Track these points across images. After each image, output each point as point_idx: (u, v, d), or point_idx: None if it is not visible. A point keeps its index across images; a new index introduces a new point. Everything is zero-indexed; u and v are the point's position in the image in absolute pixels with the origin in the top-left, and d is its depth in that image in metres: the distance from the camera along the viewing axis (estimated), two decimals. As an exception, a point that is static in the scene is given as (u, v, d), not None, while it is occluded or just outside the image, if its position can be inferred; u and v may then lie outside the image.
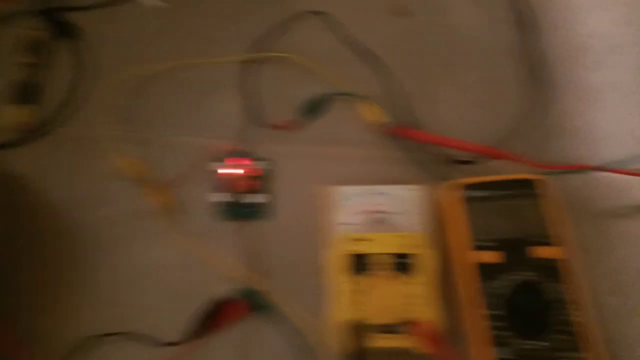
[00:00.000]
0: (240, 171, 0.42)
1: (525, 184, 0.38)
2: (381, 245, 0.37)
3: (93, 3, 0.51)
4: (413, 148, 0.43)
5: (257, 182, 0.42)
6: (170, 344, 0.37)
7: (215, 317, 0.38)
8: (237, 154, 0.43)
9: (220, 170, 0.42)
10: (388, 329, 0.35)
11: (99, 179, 0.43)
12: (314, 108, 0.45)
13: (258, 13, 0.50)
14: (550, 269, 0.36)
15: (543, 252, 0.37)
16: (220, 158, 0.43)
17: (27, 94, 0.46)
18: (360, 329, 0.35)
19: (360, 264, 0.37)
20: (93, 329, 0.38)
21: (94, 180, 0.43)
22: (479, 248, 0.37)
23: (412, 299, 0.36)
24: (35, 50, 0.48)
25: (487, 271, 0.37)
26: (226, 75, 0.47)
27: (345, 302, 0.36)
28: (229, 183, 0.42)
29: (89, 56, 0.49)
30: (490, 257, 0.37)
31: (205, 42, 0.49)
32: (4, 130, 0.45)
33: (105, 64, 0.48)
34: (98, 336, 0.38)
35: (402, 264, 0.37)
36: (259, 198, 0.41)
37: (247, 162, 0.42)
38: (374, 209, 0.39)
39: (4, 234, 0.41)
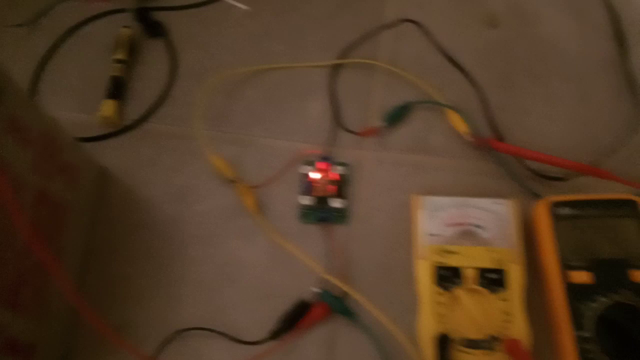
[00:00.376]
0: (327, 175, 0.43)
1: (628, 205, 0.37)
2: (470, 258, 0.37)
3: (182, 4, 0.53)
4: (502, 161, 0.42)
5: (343, 187, 0.43)
6: (255, 342, 0.39)
7: (299, 318, 0.39)
8: (325, 159, 0.43)
9: (308, 174, 0.43)
10: (474, 344, 0.35)
11: (190, 176, 0.45)
12: (401, 115, 0.45)
13: (348, 20, 0.50)
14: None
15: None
16: (309, 162, 0.44)
17: (118, 89, 0.48)
18: (445, 342, 0.35)
19: (448, 276, 0.37)
20: (182, 322, 0.40)
21: (185, 177, 0.45)
22: (569, 268, 0.37)
23: (500, 315, 0.35)
24: (127, 48, 0.50)
25: (577, 291, 0.36)
26: (315, 80, 0.48)
27: (431, 313, 0.36)
28: (316, 186, 0.43)
29: (177, 55, 0.50)
30: (580, 277, 0.36)
31: (294, 46, 0.50)
32: (99, 123, 0.47)
33: (193, 63, 0.50)
34: (186, 330, 0.39)
35: (490, 279, 0.36)
36: (344, 203, 0.42)
37: (333, 167, 0.43)
38: (463, 221, 0.38)
39: (98, 224, 0.43)
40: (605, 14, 0.48)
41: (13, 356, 0.34)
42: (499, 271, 0.37)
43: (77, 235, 0.42)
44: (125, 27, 0.51)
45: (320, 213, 0.42)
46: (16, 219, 0.32)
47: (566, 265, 0.37)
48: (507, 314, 0.35)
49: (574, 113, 0.45)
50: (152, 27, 0.51)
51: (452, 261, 0.37)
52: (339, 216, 0.42)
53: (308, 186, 0.43)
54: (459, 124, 0.44)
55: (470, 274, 0.37)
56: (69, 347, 0.40)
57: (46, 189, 0.37)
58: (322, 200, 0.42)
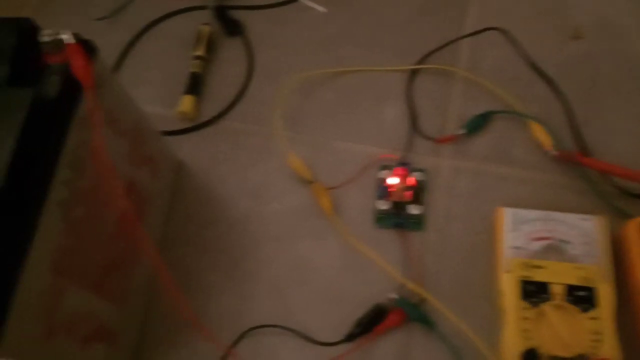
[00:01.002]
0: (405, 181, 0.42)
1: None
2: (556, 274, 0.36)
3: (260, 3, 0.53)
4: (587, 176, 0.41)
5: (419, 193, 0.42)
6: (330, 343, 0.38)
7: (375, 323, 0.38)
8: (403, 164, 0.43)
9: (385, 178, 0.43)
10: (559, 362, 0.34)
11: (265, 174, 0.45)
12: (481, 124, 0.44)
13: (427, 26, 0.50)
14: None
15: None
16: (385, 166, 0.43)
17: (196, 85, 0.49)
18: (533, 359, 0.34)
19: (534, 291, 0.36)
20: (253, 318, 0.40)
21: (260, 175, 0.45)
22: (662, 290, 0.35)
23: (589, 334, 0.34)
24: (206, 45, 0.51)
25: (669, 316, 0.35)
26: (392, 85, 0.48)
27: (517, 328, 0.35)
28: (392, 192, 0.42)
29: (254, 54, 0.51)
30: (674, 301, 0.35)
31: (371, 51, 0.50)
32: (177, 118, 0.48)
33: (269, 63, 0.50)
34: (261, 326, 0.39)
35: (579, 296, 0.35)
36: (420, 209, 0.41)
37: (411, 172, 0.43)
38: (548, 236, 0.37)
39: (173, 217, 0.44)
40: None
41: (101, 342, 0.34)
42: (587, 289, 0.35)
43: (154, 226, 0.42)
44: (204, 24, 0.52)
45: (396, 219, 0.42)
46: (121, 204, 0.33)
47: (659, 288, 0.35)
48: (596, 333, 0.34)
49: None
50: (230, 26, 0.52)
51: (538, 276, 0.36)
52: (415, 223, 0.42)
53: (385, 191, 0.42)
54: (543, 137, 0.43)
55: (558, 290, 0.35)
56: (143, 335, 0.40)
57: (134, 178, 0.38)
58: (398, 206, 0.42)
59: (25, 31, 0.30)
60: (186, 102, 0.47)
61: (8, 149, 0.26)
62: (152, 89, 0.50)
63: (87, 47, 0.31)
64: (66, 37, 0.30)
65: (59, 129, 0.29)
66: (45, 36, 0.30)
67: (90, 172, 0.32)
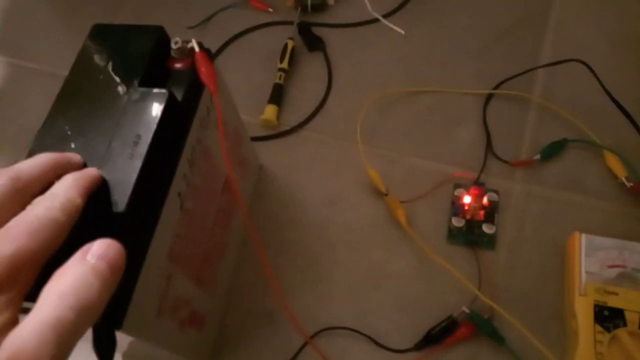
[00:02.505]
0: (479, 200, 0.44)
1: None
2: (631, 301, 0.37)
3: (341, 22, 0.56)
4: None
5: (493, 213, 0.44)
6: (400, 350, 0.40)
7: (447, 334, 0.39)
8: (479, 184, 0.45)
9: (460, 196, 0.44)
10: (630, 388, 0.35)
11: (341, 184, 0.47)
12: (556, 151, 0.46)
13: (503, 53, 0.52)
14: None
15: None
16: (460, 184, 0.45)
17: (279, 96, 0.52)
18: (602, 382, 0.35)
19: (609, 316, 0.37)
20: (326, 318, 0.42)
21: (336, 184, 0.47)
22: None
23: (662, 363, 0.35)
24: (289, 58, 0.54)
25: None
26: (467, 107, 0.50)
27: (591, 351, 0.36)
28: (466, 210, 0.44)
29: (333, 70, 0.53)
30: None
31: (447, 73, 0.52)
32: (260, 125, 0.51)
33: (347, 79, 0.53)
34: (335, 328, 0.41)
35: (652, 325, 0.36)
36: (493, 229, 0.43)
37: (484, 193, 0.44)
38: (623, 264, 0.38)
39: (256, 218, 0.46)
40: None
41: (194, 326, 0.37)
42: (661, 319, 0.36)
43: (239, 225, 0.45)
44: (289, 38, 0.55)
45: (469, 236, 0.43)
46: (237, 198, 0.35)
47: None
48: (670, 364, 0.35)
49: None
50: (312, 41, 0.55)
51: (613, 302, 0.37)
52: (488, 241, 0.43)
53: (459, 208, 0.44)
54: (618, 168, 0.44)
55: (632, 317, 0.36)
56: (224, 325, 0.42)
57: (232, 178, 0.41)
58: (471, 224, 0.43)
59: (159, 38, 0.33)
60: (269, 111, 0.50)
61: (145, 145, 0.29)
62: (237, 96, 0.53)
63: (209, 55, 0.34)
64: (194, 45, 0.33)
65: (183, 128, 0.32)
66: (175, 43, 0.33)
67: (202, 168, 0.35)
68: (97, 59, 0.32)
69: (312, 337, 0.41)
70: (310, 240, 0.45)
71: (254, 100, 0.52)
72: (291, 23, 0.56)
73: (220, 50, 0.56)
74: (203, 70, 0.33)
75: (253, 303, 0.43)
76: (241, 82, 0.54)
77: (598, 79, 0.47)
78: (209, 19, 0.58)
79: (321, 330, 0.41)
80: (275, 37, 0.56)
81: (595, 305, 0.37)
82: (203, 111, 0.34)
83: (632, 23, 0.53)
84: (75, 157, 0.27)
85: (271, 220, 0.46)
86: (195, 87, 0.33)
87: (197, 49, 0.33)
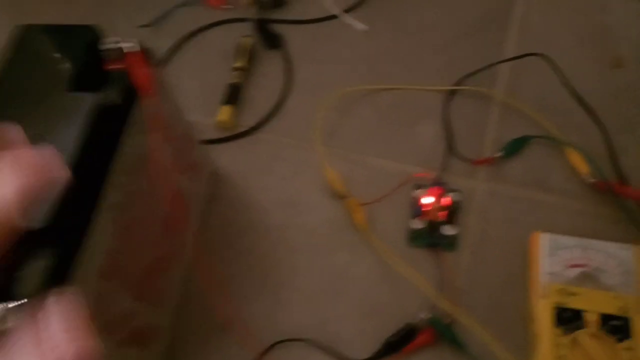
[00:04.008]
0: (439, 201, 0.43)
1: None
2: (592, 302, 0.36)
3: (301, 18, 0.55)
4: (624, 206, 0.41)
5: (454, 214, 0.42)
6: None
7: (405, 343, 0.38)
8: (439, 184, 0.43)
9: (419, 197, 0.43)
10: (592, 392, 0.34)
11: (300, 187, 0.45)
12: (519, 149, 0.45)
13: (467, 50, 0.51)
14: None
15: None
16: (420, 185, 0.44)
17: (235, 96, 0.50)
18: (564, 386, 0.34)
19: (569, 318, 0.36)
20: (284, 327, 0.40)
21: (295, 187, 0.45)
22: (699, 325, 0.35)
23: (623, 365, 0.34)
24: (246, 57, 0.52)
25: None
26: (429, 105, 0.48)
27: (551, 355, 0.35)
28: (427, 211, 0.42)
29: (293, 68, 0.52)
30: None
31: (410, 70, 0.50)
32: (215, 127, 0.49)
33: (307, 78, 0.51)
34: (290, 340, 0.39)
35: (614, 326, 0.35)
36: (455, 230, 0.42)
37: (446, 193, 0.43)
38: (585, 263, 0.37)
39: (212, 224, 0.45)
40: None
41: (135, 343, 0.35)
42: (622, 319, 0.35)
43: (191, 232, 0.43)
44: (246, 36, 0.53)
45: (430, 238, 0.42)
46: (165, 213, 0.34)
47: (696, 323, 0.35)
48: (631, 366, 0.34)
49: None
50: (270, 39, 0.53)
51: (573, 303, 0.36)
52: (449, 243, 0.42)
53: (419, 210, 0.43)
54: (580, 165, 0.43)
55: (592, 318, 0.35)
56: (174, 339, 0.40)
57: (180, 183, 0.39)
58: (432, 225, 0.42)
59: (91, 38, 0.31)
60: (224, 112, 0.48)
61: (69, 152, 0.27)
62: (191, 97, 0.51)
63: (148, 56, 0.32)
64: (130, 45, 0.31)
65: (116, 134, 0.30)
66: (110, 44, 0.31)
67: (140, 177, 0.33)
68: (20, 63, 0.30)
69: (269, 348, 0.39)
70: (269, 245, 0.44)
71: (210, 101, 0.50)
72: (248, 20, 0.54)
73: (175, 49, 0.54)
74: (138, 72, 0.31)
75: (206, 315, 0.41)
76: (197, 83, 0.52)
77: (560, 74, 0.47)
78: (163, 17, 0.56)
79: (278, 342, 0.40)
80: (232, 35, 0.54)
81: (556, 307, 0.36)
82: (140, 115, 0.32)
83: (597, 17, 0.52)
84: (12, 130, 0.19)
85: (227, 225, 0.45)
86: (130, 90, 0.31)
87: (133, 49, 0.31)
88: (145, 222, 0.34)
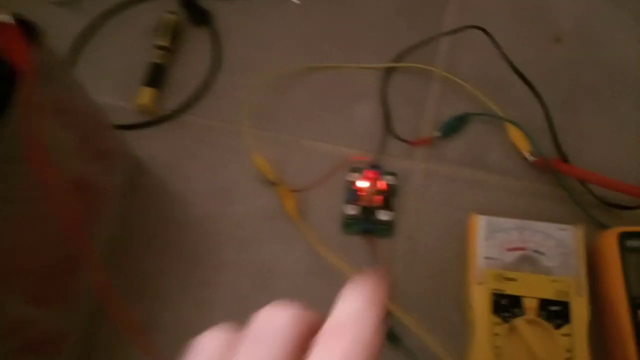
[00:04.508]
0: (375, 185, 0.40)
1: None
2: (530, 287, 0.34)
3: (231, -7, 0.51)
4: (565, 184, 0.39)
5: (390, 198, 0.40)
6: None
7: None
8: (374, 167, 0.41)
9: (354, 182, 0.40)
10: (530, 380, 0.32)
11: (229, 174, 0.42)
12: (457, 127, 0.42)
13: (405, 25, 0.48)
14: None
15: None
16: (356, 169, 0.41)
17: (157, 77, 0.46)
18: (501, 376, 0.32)
19: (506, 305, 0.34)
20: (210, 327, 0.37)
21: (223, 175, 0.42)
22: (638, 306, 0.34)
23: (562, 351, 0.32)
24: (170, 34, 0.48)
25: (646, 334, 0.33)
26: (367, 84, 0.45)
27: (487, 345, 0.33)
28: (362, 196, 0.40)
29: (222, 46, 0.48)
30: (650, 318, 0.34)
31: (347, 48, 0.47)
32: (135, 111, 0.45)
33: (237, 56, 0.47)
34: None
35: (552, 311, 0.33)
36: (391, 215, 0.39)
37: (382, 176, 0.40)
38: (523, 246, 0.36)
39: (128, 217, 0.41)
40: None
41: (36, 351, 0.31)
42: (562, 303, 0.34)
43: (107, 226, 0.40)
44: (170, 12, 0.49)
45: (365, 224, 0.39)
46: (57, 208, 0.30)
47: (634, 303, 0.34)
48: (569, 351, 0.32)
49: (644, 140, 0.42)
50: (197, 15, 0.49)
51: (511, 289, 0.34)
52: (385, 229, 0.39)
53: (354, 195, 0.40)
54: (521, 142, 0.41)
55: (531, 304, 0.34)
56: (91, 339, 0.37)
57: (84, 175, 0.35)
58: (367, 211, 0.40)
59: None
60: (145, 95, 0.44)
61: None
62: (111, 79, 0.47)
63: (30, 30, 0.28)
64: (3, 17, 0.27)
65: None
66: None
67: (31, 165, 0.29)
68: None
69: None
70: (193, 239, 0.40)
71: (131, 83, 0.46)
72: (174, -5, 0.50)
73: (94, 26, 0.49)
74: (12, 47, 0.27)
75: (128, 316, 0.38)
76: (117, 63, 0.47)
77: (499, 48, 0.44)
78: (80, -8, 0.51)
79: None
80: (158, 12, 0.49)
81: (493, 294, 0.34)
82: (23, 97, 0.28)
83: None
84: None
85: (148, 219, 0.41)
86: (8, 70, 0.27)
87: (6, 21, 0.27)
88: (37, 217, 0.31)
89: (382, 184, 0.40)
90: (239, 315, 0.40)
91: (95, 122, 0.36)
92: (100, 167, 0.37)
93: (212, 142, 0.44)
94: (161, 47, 0.47)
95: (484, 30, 0.44)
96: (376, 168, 0.41)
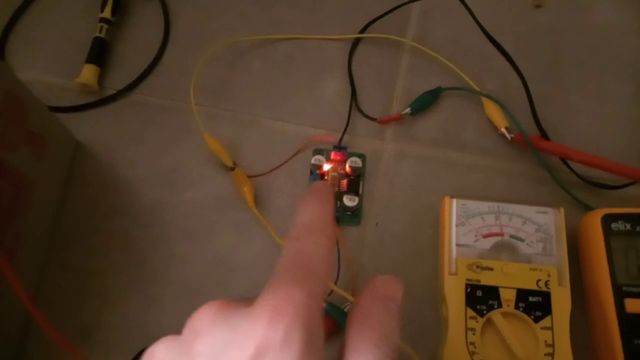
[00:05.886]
0: (341, 168, 0.37)
1: None
2: (508, 277, 0.31)
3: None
4: (546, 163, 0.36)
5: (358, 182, 0.37)
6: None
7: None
8: (340, 148, 0.37)
9: (319, 165, 0.37)
10: (508, 378, 0.30)
11: (181, 158, 0.38)
12: (430, 103, 0.39)
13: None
14: None
15: None
16: (320, 150, 0.38)
17: (101, 53, 0.41)
18: (476, 375, 0.30)
19: (482, 297, 0.31)
20: (160, 328, 0.34)
21: (174, 158, 0.38)
22: (624, 294, 0.31)
23: (542, 346, 0.30)
24: (115, 6, 0.43)
25: (632, 323, 0.30)
26: (332, 56, 0.41)
27: (461, 340, 0.30)
28: (326, 180, 0.36)
29: (172, 17, 0.43)
30: (637, 306, 0.31)
31: (310, 16, 0.43)
32: (77, 91, 0.40)
33: (189, 27, 0.43)
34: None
35: (532, 302, 0.30)
36: (358, 201, 0.36)
37: (349, 158, 0.37)
38: (501, 232, 0.33)
39: (67, 207, 0.37)
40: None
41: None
42: (542, 294, 0.31)
43: (41, 218, 0.35)
44: (114, -20, 0.44)
45: (330, 211, 0.36)
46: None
47: (621, 292, 0.31)
48: (549, 346, 0.30)
49: (630, 115, 0.39)
50: (145, -16, 0.45)
51: (487, 279, 0.31)
52: (352, 216, 0.36)
53: (318, 178, 0.37)
54: (498, 118, 0.37)
55: (508, 295, 0.31)
56: (25, 345, 0.34)
57: (7, 160, 0.31)
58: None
59: None
60: (87, 72, 0.40)
61: None
62: (49, 56, 0.42)
63: None
64: None
65: None
66: None
67: None
68: None
69: (137, 356, 0.33)
70: (139, 231, 0.36)
71: (73, 59, 0.41)
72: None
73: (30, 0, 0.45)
74: None
75: (65, 318, 0.34)
76: (55, 39, 0.43)
77: (473, 15, 0.40)
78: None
79: (143, 351, 0.33)
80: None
81: (467, 285, 0.31)
82: None
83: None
84: None
85: (90, 209, 0.37)
86: None
87: None
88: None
89: (348, 167, 0.37)
90: (189, 312, 0.37)
91: (20, 102, 0.32)
92: (28, 153, 0.33)
93: (161, 123, 0.40)
94: (105, 20, 0.42)
95: (456, -4, 0.40)
96: (342, 149, 0.37)
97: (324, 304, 0.32)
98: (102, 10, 0.42)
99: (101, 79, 0.41)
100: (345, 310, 0.32)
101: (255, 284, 0.35)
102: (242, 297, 0.34)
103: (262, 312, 0.16)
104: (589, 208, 0.35)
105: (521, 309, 0.30)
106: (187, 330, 0.18)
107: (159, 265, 0.35)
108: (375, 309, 0.19)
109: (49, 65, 0.42)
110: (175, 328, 0.33)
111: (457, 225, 0.33)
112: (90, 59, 0.41)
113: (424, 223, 0.36)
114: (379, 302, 0.19)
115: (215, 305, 0.18)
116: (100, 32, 0.41)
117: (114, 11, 0.42)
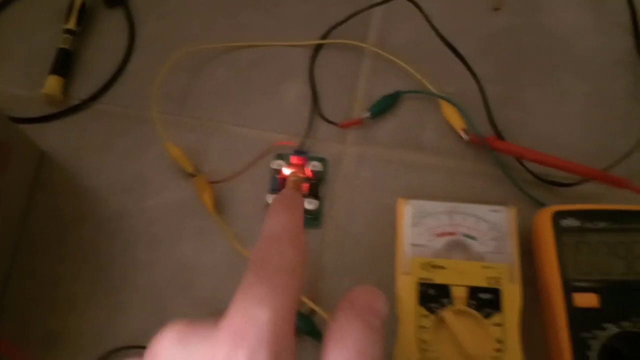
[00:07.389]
0: (302, 172, 0.37)
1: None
2: (460, 275, 0.32)
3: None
4: (501, 162, 0.37)
5: (318, 185, 0.37)
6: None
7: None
8: (300, 152, 0.38)
9: (279, 169, 0.37)
10: (461, 375, 0.30)
11: (144, 165, 0.39)
12: (389, 106, 0.40)
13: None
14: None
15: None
16: (281, 155, 0.38)
17: (66, 64, 0.42)
18: (429, 372, 0.30)
19: (434, 295, 0.31)
20: (123, 335, 0.34)
21: (138, 166, 0.39)
22: (573, 289, 0.32)
23: (493, 342, 0.30)
24: (80, 17, 0.44)
25: (581, 317, 0.31)
26: (294, 62, 0.42)
27: (413, 339, 0.31)
28: (287, 184, 0.37)
29: (136, 25, 0.44)
30: (586, 300, 0.31)
31: (272, 22, 0.44)
32: (41, 102, 0.41)
33: (154, 36, 0.44)
34: (125, 348, 0.34)
35: (483, 299, 0.31)
36: (318, 204, 0.37)
37: (309, 162, 0.38)
38: (453, 231, 0.33)
39: (31, 216, 0.38)
40: (625, 8, 0.43)
41: None
42: (493, 291, 0.31)
43: (6, 227, 0.36)
44: (77, -9, 0.45)
45: (291, 214, 0.37)
46: None
47: (569, 286, 0.32)
48: (500, 342, 0.30)
49: (586, 114, 0.39)
50: (110, -6, 0.45)
51: (439, 278, 0.32)
52: (312, 219, 0.37)
53: (278, 184, 0.37)
54: (455, 119, 0.38)
55: (460, 293, 0.31)
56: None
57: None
58: (294, 200, 0.37)
59: None
60: (51, 83, 0.40)
61: None
62: (14, 67, 0.43)
63: None
64: None
65: None
66: None
67: None
68: None
69: (102, 358, 0.33)
70: (103, 238, 0.37)
71: (38, 70, 0.42)
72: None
73: (-2, 9, 0.45)
74: None
75: (30, 325, 0.35)
76: (20, 50, 0.43)
77: (428, 18, 0.41)
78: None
79: (114, 351, 0.34)
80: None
81: (420, 284, 0.32)
82: None
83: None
84: None
85: (56, 217, 0.38)
86: None
87: None
88: None
89: (309, 171, 0.37)
90: (156, 317, 0.38)
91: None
92: (-10, 165, 0.34)
93: (126, 132, 0.40)
94: (69, 31, 0.43)
95: (411, 1, 0.41)
96: (302, 154, 0.38)
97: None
98: (66, 21, 0.43)
99: (66, 88, 0.41)
100: (306, 313, 0.33)
101: (219, 289, 0.35)
102: (206, 300, 0.35)
103: (224, 337, 0.15)
104: (543, 206, 0.36)
105: (472, 306, 0.31)
106: (148, 354, 0.17)
107: (125, 271, 0.36)
108: (353, 327, 0.17)
109: (14, 77, 0.42)
110: (142, 333, 0.34)
111: (412, 226, 0.33)
112: (54, 70, 0.41)
113: (384, 224, 0.37)
114: (358, 319, 0.18)
115: (176, 328, 0.17)
116: (64, 43, 0.42)
117: (78, 21, 0.43)
